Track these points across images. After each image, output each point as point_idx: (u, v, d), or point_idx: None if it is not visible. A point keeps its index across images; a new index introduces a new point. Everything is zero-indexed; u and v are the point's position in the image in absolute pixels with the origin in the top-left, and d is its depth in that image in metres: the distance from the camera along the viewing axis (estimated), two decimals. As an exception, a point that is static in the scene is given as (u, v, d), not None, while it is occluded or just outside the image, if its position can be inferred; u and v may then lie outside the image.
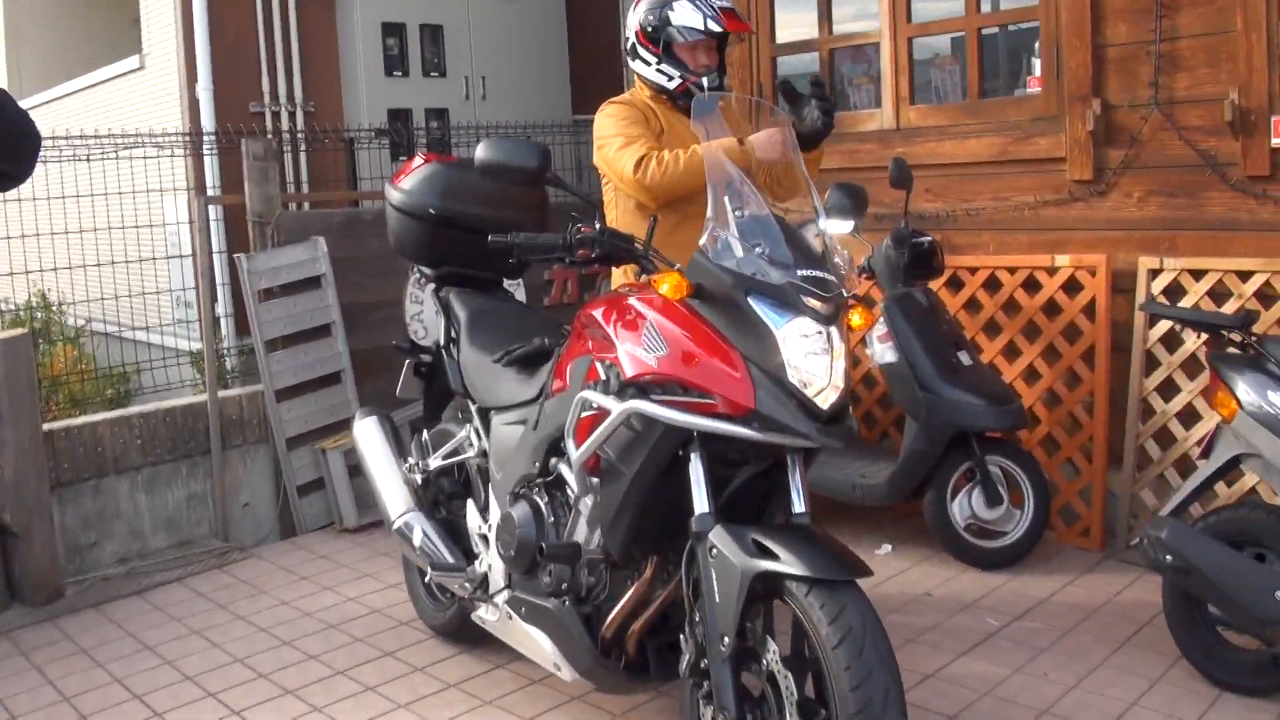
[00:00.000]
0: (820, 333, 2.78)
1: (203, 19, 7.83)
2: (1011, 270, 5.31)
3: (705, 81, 4.05)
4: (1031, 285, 5.26)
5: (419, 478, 4.19)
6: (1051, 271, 5.16)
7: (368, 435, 4.38)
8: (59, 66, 11.32)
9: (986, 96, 5.65)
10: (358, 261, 6.24)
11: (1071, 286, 5.12)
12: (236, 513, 6.08)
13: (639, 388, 2.92)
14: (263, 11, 8.16)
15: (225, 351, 7.00)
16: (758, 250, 2.87)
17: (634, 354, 2.98)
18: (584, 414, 3.07)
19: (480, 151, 3.28)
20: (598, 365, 3.10)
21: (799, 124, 3.73)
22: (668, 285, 2.91)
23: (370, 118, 8.24)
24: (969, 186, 5.50)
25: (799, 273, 2.82)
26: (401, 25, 8.54)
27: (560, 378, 3.40)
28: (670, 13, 4.05)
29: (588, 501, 3.22)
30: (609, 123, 4.06)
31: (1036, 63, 5.36)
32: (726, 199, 2.98)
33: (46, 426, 5.40)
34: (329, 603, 4.99)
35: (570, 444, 3.13)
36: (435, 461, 4.16)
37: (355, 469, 5.58)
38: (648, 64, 4.13)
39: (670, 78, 4.10)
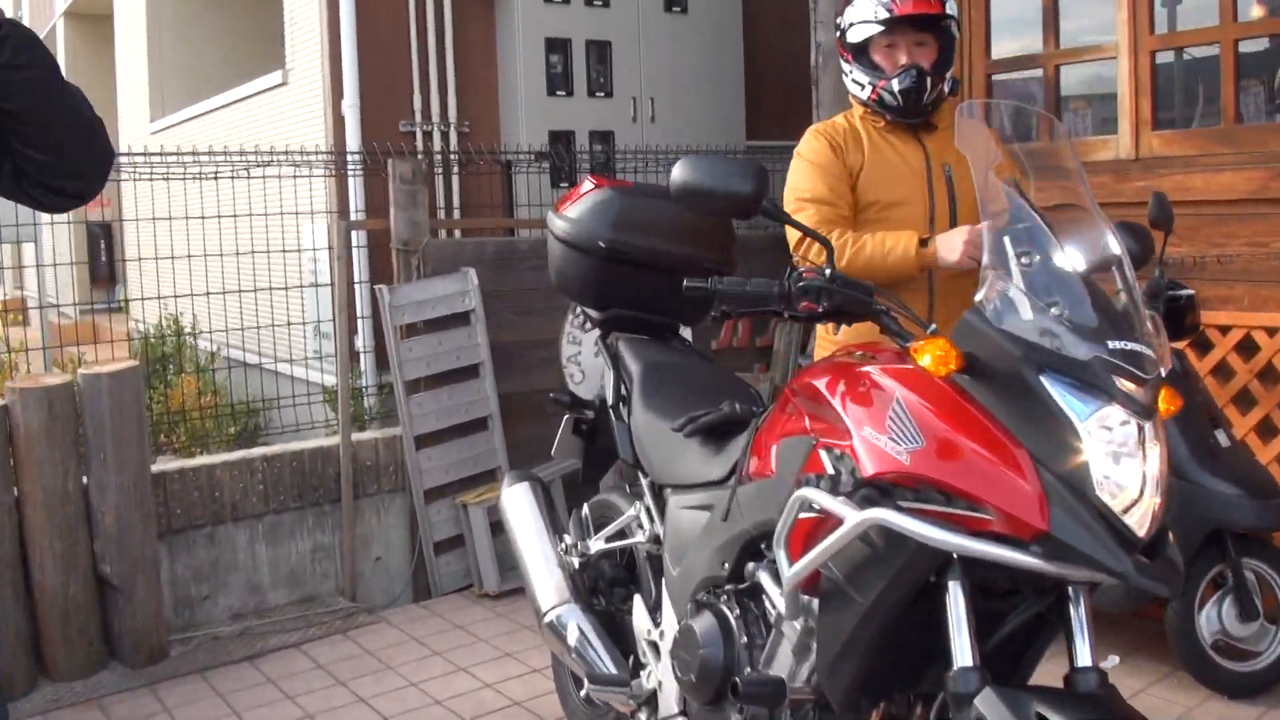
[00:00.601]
0: (1132, 425, 2.07)
1: (350, 32, 7.35)
2: (1271, 331, 4.51)
3: (896, 84, 3.39)
4: (1297, 350, 4.44)
5: (576, 561, 3.53)
6: None
7: (518, 506, 3.73)
8: (203, 83, 11.05)
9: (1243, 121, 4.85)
10: (511, 296, 5.75)
11: None
12: (366, 569, 5.58)
13: (881, 490, 2.21)
14: (416, 25, 7.68)
15: (363, 390, 6.47)
16: (1054, 312, 2.16)
17: (876, 444, 2.26)
18: (802, 515, 2.37)
19: (679, 173, 2.61)
20: (822, 454, 2.39)
21: None
22: (931, 356, 2.22)
23: (530, 139, 7.70)
24: (1221, 229, 4.71)
25: (1109, 344, 2.10)
26: (567, 41, 8.00)
27: (759, 457, 2.72)
28: (850, 8, 3.45)
29: (796, 626, 2.51)
30: (796, 166, 3.52)
31: None
32: (1008, 240, 2.27)
33: (157, 468, 4.93)
34: (463, 688, 4.37)
35: (781, 554, 2.43)
36: (597, 544, 3.51)
37: (498, 526, 5.02)
38: (846, 74, 3.53)
39: (862, 86, 3.48)
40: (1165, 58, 5.17)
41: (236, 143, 6.37)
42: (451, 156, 7.62)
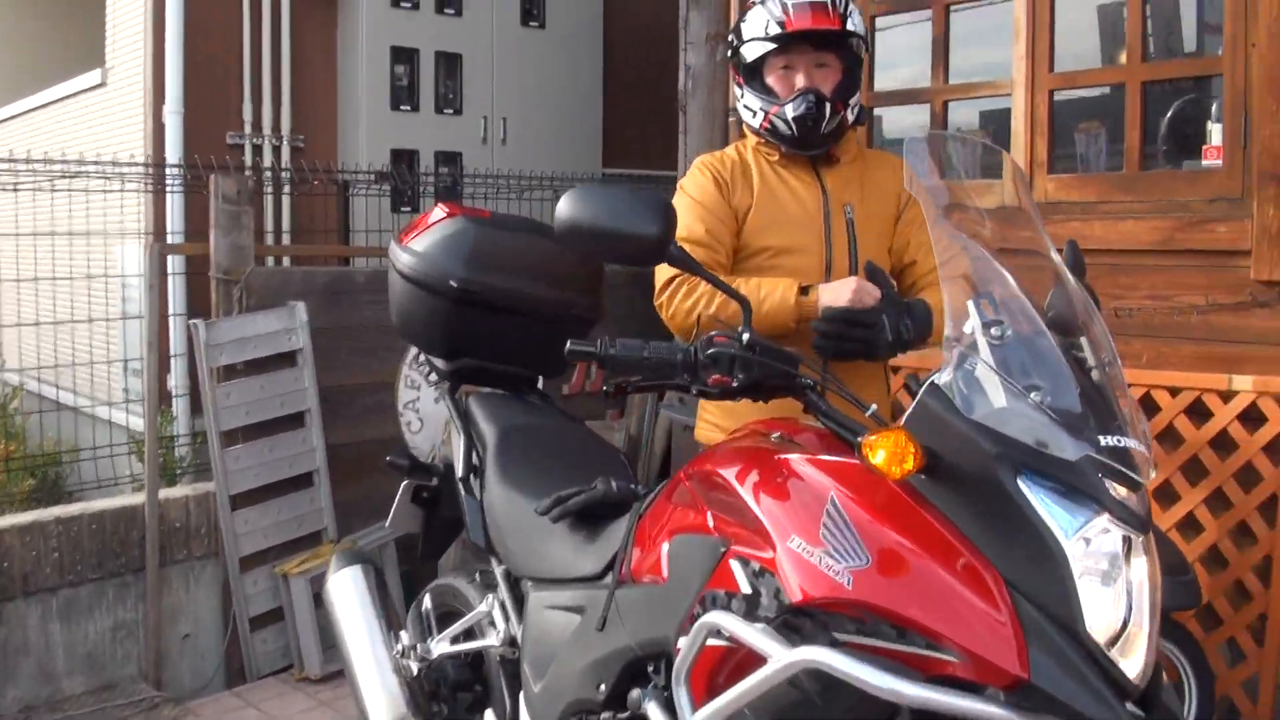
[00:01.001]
0: (1119, 538, 1.75)
1: (177, 30, 6.76)
2: (1173, 391, 4.23)
3: (790, 110, 2.91)
4: (1198, 412, 4.19)
5: (415, 665, 3.05)
6: (1226, 396, 4.10)
7: (346, 598, 3.24)
8: (23, 81, 10.30)
9: (1147, 167, 4.60)
10: (344, 334, 5.23)
11: (1251, 417, 4.07)
12: (174, 647, 5.00)
13: (814, 620, 1.82)
14: (250, 25, 7.15)
15: (174, 439, 5.87)
16: (1034, 398, 1.81)
17: (807, 560, 1.85)
18: (711, 642, 1.97)
19: (568, 208, 2.21)
20: (734, 566, 1.98)
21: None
22: (884, 452, 1.82)
23: (370, 157, 7.23)
24: (1119, 280, 4.44)
25: (1101, 440, 1.76)
26: (414, 52, 7.60)
27: (644, 550, 2.30)
28: (743, 24, 3.01)
29: (697, 775, 2.05)
30: (677, 202, 3.03)
31: (1215, 129, 4.35)
32: (973, 307, 1.90)
33: (-66, 533, 4.34)
34: (281, 799, 3.78)
35: (681, 693, 2.01)
36: (440, 646, 3.04)
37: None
38: (738, 99, 3.08)
39: (753, 112, 3.00)
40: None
41: (53, 149, 5.76)
42: (283, 174, 7.08)
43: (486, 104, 7.98)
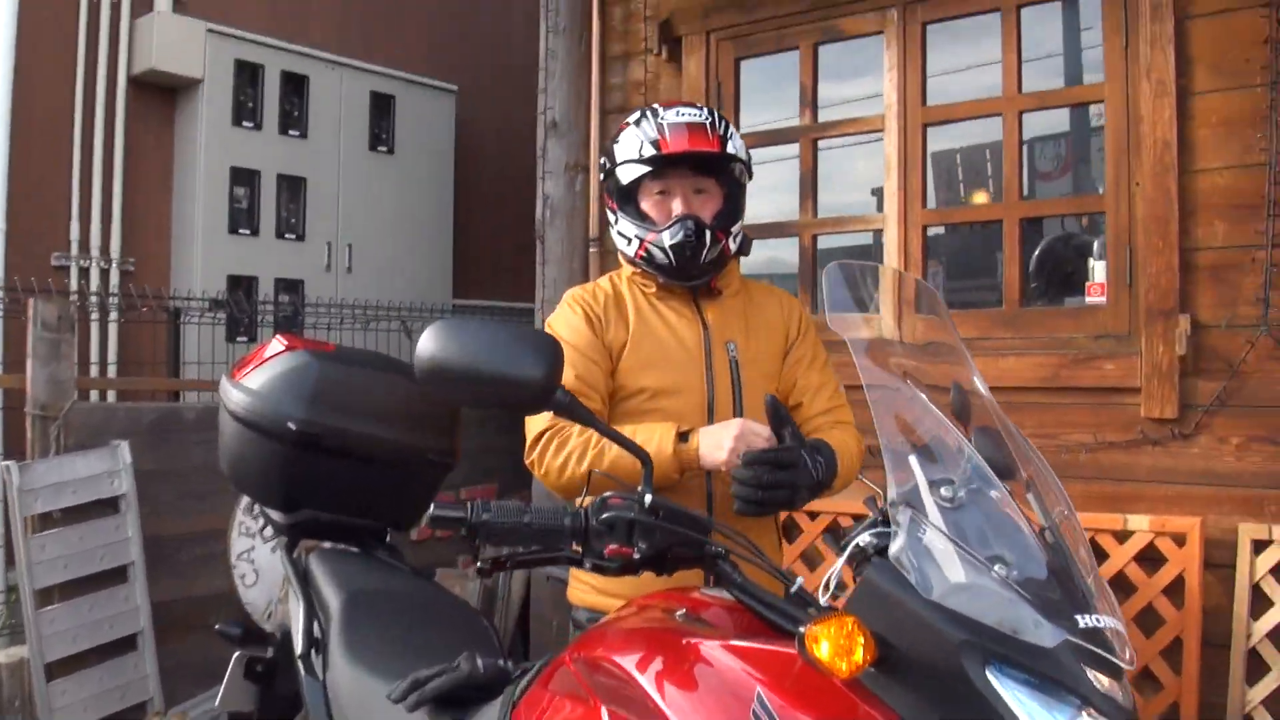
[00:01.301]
0: None
1: (1, 141, 6.45)
2: None
3: (667, 238, 2.67)
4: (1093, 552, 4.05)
5: None
6: (1122, 536, 4.08)
7: None
8: None
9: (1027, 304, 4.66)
10: (173, 477, 4.84)
11: (1149, 557, 4.05)
12: None
13: None
14: (81, 139, 6.87)
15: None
16: (998, 571, 1.58)
17: None
18: None
19: (434, 344, 1.95)
20: None
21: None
22: (829, 644, 1.56)
23: (205, 283, 6.92)
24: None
25: (1079, 620, 1.56)
26: (255, 173, 7.35)
27: None
28: (616, 145, 2.78)
29: None
30: None
31: (1097, 265, 4.37)
32: (915, 462, 1.68)
33: None
34: None
35: None
36: None
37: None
38: (611, 225, 2.85)
39: (628, 240, 2.77)
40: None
41: None
42: (109, 299, 6.71)
43: (331, 230, 7.76)
